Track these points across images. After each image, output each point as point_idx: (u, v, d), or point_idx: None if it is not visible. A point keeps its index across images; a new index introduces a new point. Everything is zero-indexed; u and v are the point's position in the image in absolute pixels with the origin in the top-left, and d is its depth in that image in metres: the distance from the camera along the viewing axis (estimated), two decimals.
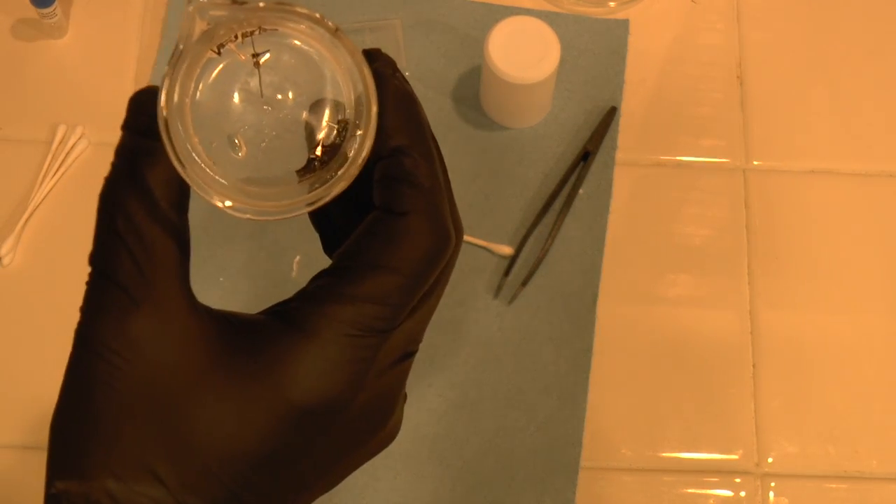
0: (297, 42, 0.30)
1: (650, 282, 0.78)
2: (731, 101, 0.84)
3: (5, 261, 0.77)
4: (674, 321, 0.77)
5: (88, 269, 0.30)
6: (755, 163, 0.82)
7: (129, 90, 0.82)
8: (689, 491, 0.72)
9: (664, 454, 0.73)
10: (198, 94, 0.30)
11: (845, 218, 0.80)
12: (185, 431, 0.28)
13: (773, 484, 0.73)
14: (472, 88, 0.83)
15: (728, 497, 0.72)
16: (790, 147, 0.82)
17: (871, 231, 0.80)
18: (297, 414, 0.29)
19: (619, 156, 0.81)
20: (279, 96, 0.30)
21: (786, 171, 0.82)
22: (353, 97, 0.30)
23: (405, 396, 0.33)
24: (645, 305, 0.77)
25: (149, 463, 0.28)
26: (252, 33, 0.30)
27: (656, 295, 0.78)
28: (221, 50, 0.30)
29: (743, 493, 0.72)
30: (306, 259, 0.77)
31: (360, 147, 0.30)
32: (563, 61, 0.80)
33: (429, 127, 0.32)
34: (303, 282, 0.31)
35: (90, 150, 0.81)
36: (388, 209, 0.30)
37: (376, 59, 0.32)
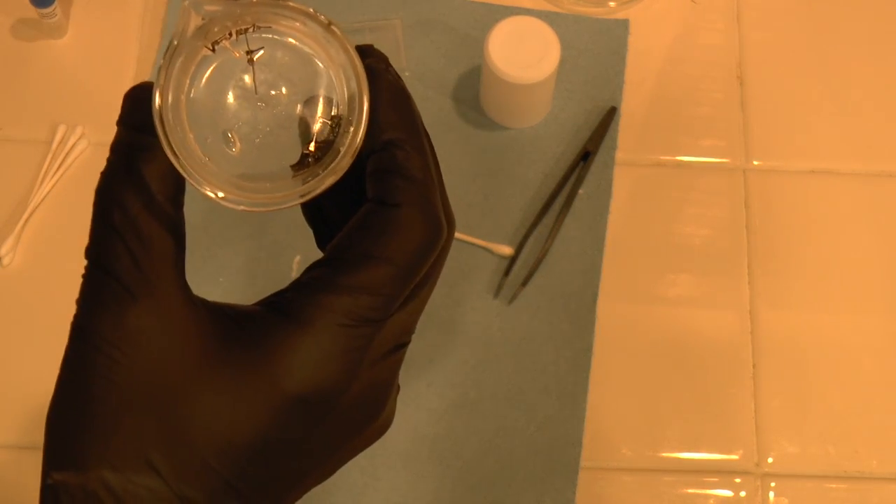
0: (290, 39, 0.31)
1: (650, 282, 0.78)
2: (731, 101, 0.84)
3: (5, 261, 0.77)
4: (674, 321, 0.77)
5: (85, 263, 0.30)
6: (755, 163, 0.82)
7: None
8: (689, 491, 0.72)
9: (664, 454, 0.73)
10: (192, 90, 0.30)
11: (845, 218, 0.80)
12: (182, 422, 0.28)
13: (773, 484, 0.73)
14: (472, 88, 0.83)
15: (728, 497, 0.72)
16: (790, 147, 0.82)
17: (871, 231, 0.80)
18: (292, 404, 0.29)
19: (619, 156, 0.81)
20: (273, 93, 0.31)
21: (786, 171, 0.82)
22: (346, 94, 0.31)
23: (398, 388, 0.34)
24: (645, 305, 0.77)
25: (145, 454, 0.28)
26: (246, 30, 0.30)
27: (656, 295, 0.78)
28: (216, 47, 0.30)
29: (743, 493, 0.72)
30: (306, 259, 0.77)
31: (351, 139, 0.30)
32: (563, 61, 0.80)
33: (421, 121, 0.33)
34: None
35: (90, 150, 0.81)
36: (381, 201, 0.31)
37: (369, 55, 0.32)
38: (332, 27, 0.30)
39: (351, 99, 0.31)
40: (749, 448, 0.73)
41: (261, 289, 0.77)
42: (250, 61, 0.30)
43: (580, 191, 0.79)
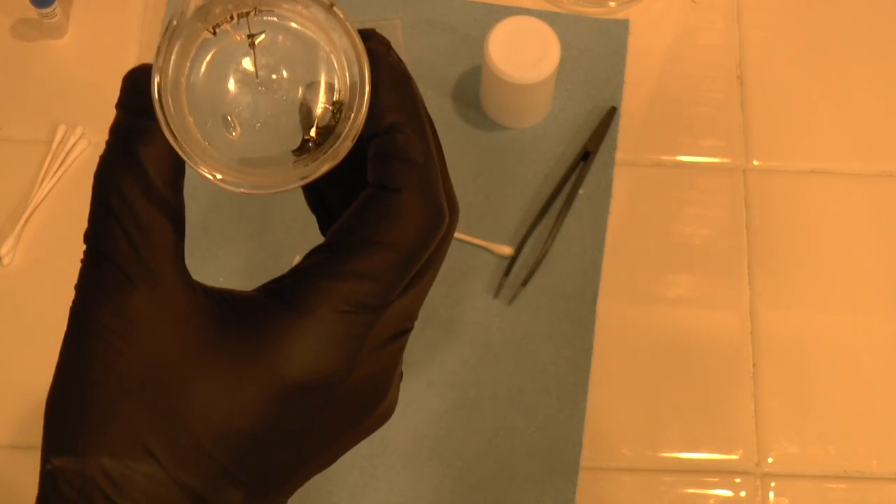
0: (292, 24, 0.31)
1: (650, 282, 0.78)
2: (731, 101, 0.84)
3: (5, 261, 0.77)
4: (674, 321, 0.77)
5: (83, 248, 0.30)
6: (755, 163, 0.82)
7: None
8: (689, 491, 0.72)
9: (664, 454, 0.73)
10: (193, 74, 0.30)
11: (845, 218, 0.80)
12: (180, 409, 0.28)
13: (773, 484, 0.73)
14: (472, 88, 0.83)
15: (728, 497, 0.72)
16: (790, 147, 0.82)
17: (871, 231, 0.80)
18: (290, 392, 0.29)
19: (619, 156, 0.81)
20: (274, 77, 0.30)
21: (786, 171, 0.82)
22: (348, 79, 0.30)
23: (401, 375, 0.33)
24: (645, 305, 0.77)
25: (143, 440, 0.28)
26: (248, 13, 0.30)
27: (656, 295, 0.78)
28: (217, 30, 0.30)
29: (743, 493, 0.72)
30: None
31: (352, 122, 0.30)
32: (563, 61, 0.80)
33: (423, 105, 0.32)
34: None
35: (90, 150, 0.81)
36: (382, 186, 0.30)
37: (371, 38, 0.32)
38: (335, 9, 0.30)
39: (353, 84, 0.30)
40: (749, 448, 0.73)
41: None
42: (251, 45, 0.30)
43: (580, 191, 0.79)
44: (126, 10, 0.86)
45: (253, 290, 0.31)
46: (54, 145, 0.81)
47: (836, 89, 0.85)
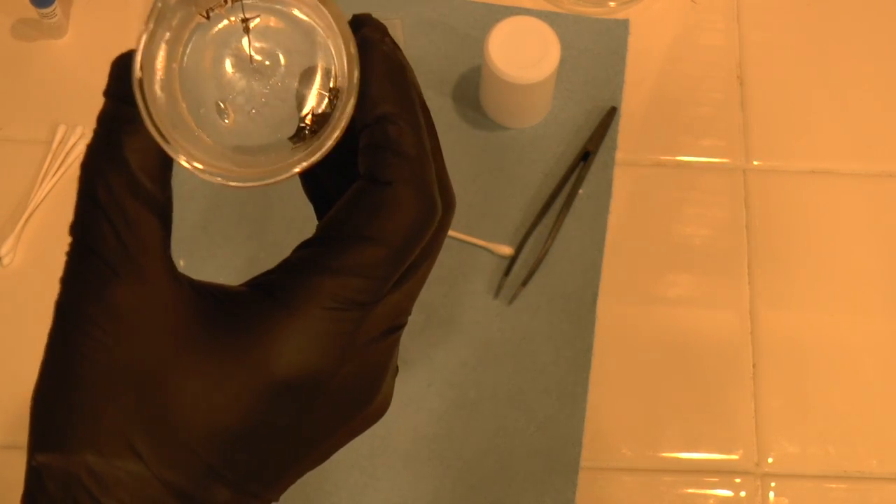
0: (288, 8, 0.30)
1: (650, 282, 0.78)
2: (731, 101, 0.84)
3: (5, 261, 0.77)
4: (674, 321, 0.77)
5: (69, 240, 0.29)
6: (755, 163, 0.82)
7: None
8: (689, 491, 0.72)
9: (664, 454, 0.73)
10: (185, 59, 0.29)
11: (845, 218, 0.80)
12: (165, 406, 0.28)
13: (773, 484, 0.73)
14: (472, 88, 0.83)
15: (728, 497, 0.72)
16: (790, 147, 0.83)
17: (871, 231, 0.80)
18: (277, 389, 0.28)
19: (619, 156, 0.81)
20: (268, 63, 0.30)
21: (786, 171, 0.82)
22: (345, 65, 0.29)
23: (396, 370, 0.33)
24: (645, 305, 0.77)
25: (128, 438, 0.28)
26: None
27: (656, 295, 0.78)
28: (210, 14, 0.29)
29: (743, 493, 0.72)
30: None
31: (341, 113, 0.29)
32: (563, 61, 0.80)
33: (419, 94, 0.31)
34: None
35: None
36: (373, 179, 0.29)
37: (365, 24, 0.31)
38: None
39: (350, 70, 0.29)
40: (749, 448, 0.73)
41: None
42: (246, 29, 0.29)
43: (580, 191, 0.79)
44: (126, 10, 0.86)
45: (241, 285, 0.30)
46: (54, 145, 0.81)
47: (836, 89, 0.85)
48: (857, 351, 0.76)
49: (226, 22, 0.29)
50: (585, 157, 0.80)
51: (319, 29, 0.30)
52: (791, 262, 0.79)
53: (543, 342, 0.75)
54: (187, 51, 0.29)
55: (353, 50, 0.29)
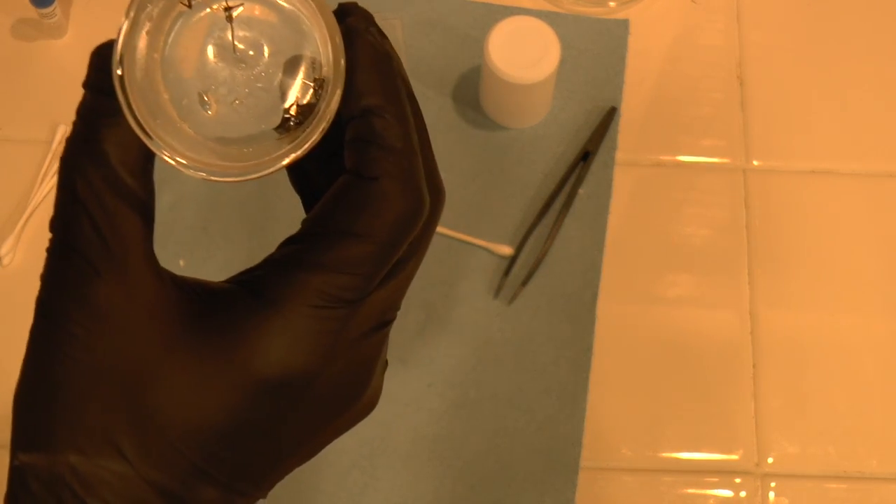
0: None
1: (650, 282, 0.78)
2: (731, 101, 0.84)
3: (5, 261, 0.77)
4: (674, 321, 0.77)
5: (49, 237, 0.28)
6: (755, 163, 0.82)
7: None
8: (689, 491, 0.72)
9: (664, 454, 0.73)
10: (167, 49, 0.28)
11: (845, 218, 0.80)
12: (148, 405, 0.27)
13: (773, 484, 0.73)
14: (472, 88, 0.83)
15: (728, 497, 0.72)
16: (790, 147, 0.82)
17: (871, 231, 0.80)
18: (262, 387, 0.28)
19: (619, 156, 0.81)
20: (252, 52, 0.29)
21: (786, 171, 0.82)
22: (331, 55, 0.29)
23: (385, 365, 0.32)
24: (645, 305, 0.77)
25: (111, 437, 0.27)
26: None
27: (656, 295, 0.78)
28: (192, 3, 0.28)
29: (743, 494, 0.72)
30: None
31: (325, 108, 0.28)
32: (563, 61, 0.80)
33: (406, 83, 0.31)
34: None
35: None
36: (358, 173, 0.29)
37: (350, 13, 0.30)
38: None
39: (336, 61, 0.29)
40: (749, 448, 0.73)
41: None
42: (229, 18, 0.29)
43: (580, 191, 0.79)
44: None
45: (225, 281, 0.30)
46: (54, 145, 0.81)
47: (836, 89, 0.85)
48: (857, 351, 0.76)
49: (208, 10, 0.29)
50: (585, 157, 0.80)
51: (304, 18, 0.29)
52: (791, 262, 0.79)
53: (543, 342, 0.75)
54: (169, 40, 0.28)
55: (339, 40, 0.28)
